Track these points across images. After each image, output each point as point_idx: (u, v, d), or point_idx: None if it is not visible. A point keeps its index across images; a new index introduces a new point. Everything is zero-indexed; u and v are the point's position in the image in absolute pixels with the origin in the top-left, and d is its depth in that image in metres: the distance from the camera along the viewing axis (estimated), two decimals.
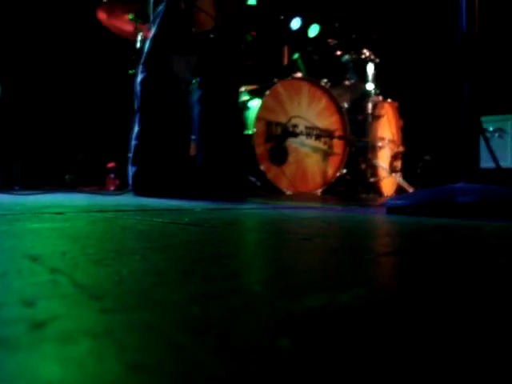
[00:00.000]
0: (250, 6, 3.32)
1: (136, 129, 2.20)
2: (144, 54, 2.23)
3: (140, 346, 0.23)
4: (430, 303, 0.33)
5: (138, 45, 3.50)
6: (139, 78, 2.23)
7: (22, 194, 2.04)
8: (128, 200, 1.80)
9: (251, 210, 1.39)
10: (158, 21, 2.20)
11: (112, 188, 3.54)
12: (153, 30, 2.22)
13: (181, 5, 2.18)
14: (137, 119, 2.20)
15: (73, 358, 0.21)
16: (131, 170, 2.20)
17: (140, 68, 2.24)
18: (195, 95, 2.42)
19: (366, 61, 3.54)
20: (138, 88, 2.22)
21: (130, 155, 2.23)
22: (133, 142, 2.20)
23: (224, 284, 0.37)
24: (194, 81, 2.45)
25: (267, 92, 2.94)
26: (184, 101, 2.30)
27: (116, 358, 0.21)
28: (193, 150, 2.53)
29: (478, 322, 0.29)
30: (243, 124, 2.85)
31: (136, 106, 2.23)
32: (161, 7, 2.20)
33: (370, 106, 3.46)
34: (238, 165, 2.49)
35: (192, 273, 0.42)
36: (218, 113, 2.39)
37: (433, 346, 0.24)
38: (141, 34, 3.50)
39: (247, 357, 0.22)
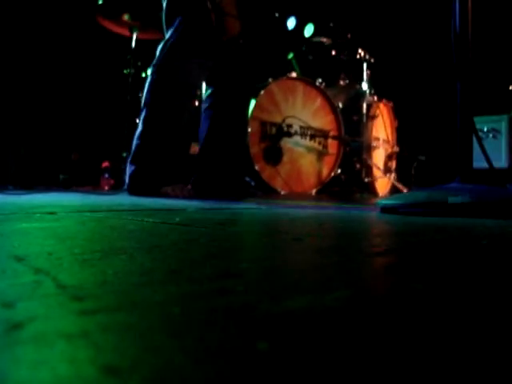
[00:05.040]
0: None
1: (139, 128, 2.19)
2: (158, 56, 2.22)
3: (116, 347, 0.23)
4: (417, 305, 0.33)
5: (133, 44, 3.50)
6: (149, 78, 2.22)
7: (15, 194, 2.03)
8: (122, 200, 1.80)
9: (244, 210, 1.39)
10: (179, 29, 2.19)
11: (106, 188, 3.53)
12: (172, 37, 2.20)
13: (211, 15, 2.18)
14: (141, 118, 2.20)
15: (45, 360, 0.21)
16: (129, 168, 2.19)
17: (152, 69, 2.24)
18: (207, 100, 2.42)
19: (360, 61, 3.54)
20: (147, 88, 2.22)
21: (131, 153, 2.22)
22: (134, 142, 2.20)
23: (208, 285, 0.37)
24: (205, 86, 2.47)
25: (262, 92, 2.94)
26: (192, 105, 2.30)
27: (90, 360, 0.21)
28: (193, 150, 2.54)
29: (465, 323, 0.28)
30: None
31: (142, 105, 2.23)
32: (183, 13, 2.20)
33: (364, 106, 3.46)
34: (237, 166, 2.50)
35: (177, 273, 0.42)
36: (230, 120, 2.39)
37: (416, 348, 0.24)
38: (136, 34, 3.50)
39: (224, 359, 0.22)
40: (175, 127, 2.18)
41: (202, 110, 2.44)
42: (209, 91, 2.43)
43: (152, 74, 2.22)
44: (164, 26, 2.29)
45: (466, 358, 0.23)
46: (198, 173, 2.39)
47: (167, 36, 2.23)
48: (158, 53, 2.24)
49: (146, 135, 2.17)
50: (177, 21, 2.21)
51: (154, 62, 2.23)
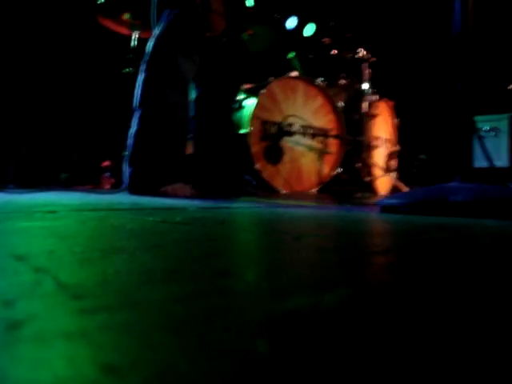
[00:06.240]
0: (247, 7, 3.35)
1: (134, 128, 2.19)
2: (147, 53, 2.22)
3: (115, 346, 0.23)
4: (417, 304, 0.33)
5: (133, 44, 3.50)
6: (141, 76, 2.21)
7: (16, 193, 2.03)
8: (122, 199, 1.80)
9: (244, 209, 1.38)
10: (167, 21, 2.19)
11: (107, 187, 3.53)
12: (159, 30, 2.20)
13: (198, 8, 2.18)
14: (136, 118, 2.19)
15: (45, 359, 0.21)
16: (127, 169, 2.19)
17: (143, 67, 2.23)
18: (192, 95, 2.42)
19: (361, 60, 3.54)
20: (139, 87, 2.21)
21: (127, 154, 2.21)
22: (129, 141, 2.19)
23: (208, 284, 0.37)
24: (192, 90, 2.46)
25: (262, 91, 2.94)
26: (185, 101, 2.29)
27: (89, 359, 0.21)
28: (189, 149, 2.54)
29: (464, 323, 0.28)
30: (237, 124, 2.85)
31: (135, 105, 2.22)
32: (171, 6, 2.20)
33: (365, 105, 3.46)
34: (233, 164, 2.50)
35: (178, 272, 0.42)
36: (216, 114, 2.39)
37: (416, 347, 0.24)
38: (136, 33, 3.49)
39: (224, 359, 0.22)
40: (171, 125, 2.17)
41: (190, 117, 2.43)
42: (193, 95, 2.42)
43: (143, 71, 2.21)
44: (154, 23, 2.29)
45: (466, 358, 0.23)
46: (196, 174, 2.39)
47: (156, 32, 2.23)
48: (148, 50, 2.23)
49: (143, 134, 2.16)
50: (164, 15, 2.21)
51: (145, 58, 2.22)
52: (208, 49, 2.32)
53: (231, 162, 2.46)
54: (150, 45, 2.23)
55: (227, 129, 2.52)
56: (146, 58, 2.22)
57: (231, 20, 2.35)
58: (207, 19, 2.22)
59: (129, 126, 2.25)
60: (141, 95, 2.19)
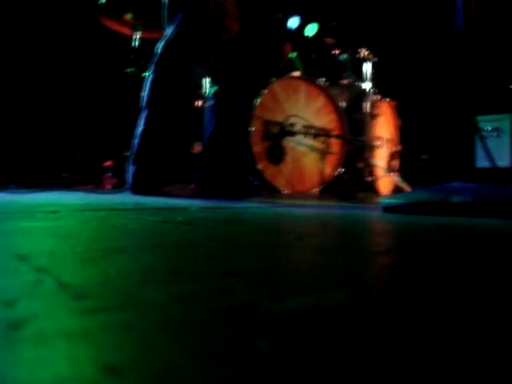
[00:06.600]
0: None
1: (140, 127, 2.19)
2: (157, 54, 2.22)
3: (116, 347, 0.23)
4: (418, 305, 0.32)
5: (135, 44, 3.50)
6: (150, 77, 2.22)
7: (18, 193, 2.04)
8: (124, 199, 1.80)
9: (246, 209, 1.38)
10: (179, 25, 2.19)
11: (109, 187, 3.53)
12: (171, 32, 2.20)
13: (212, 13, 2.19)
14: (142, 117, 2.20)
15: (46, 359, 0.21)
16: (132, 168, 2.19)
17: (151, 67, 2.23)
18: (213, 97, 2.44)
19: (363, 60, 3.53)
20: (148, 87, 2.22)
21: (133, 153, 2.22)
22: (136, 140, 2.19)
23: (209, 284, 0.37)
24: (209, 85, 2.48)
25: (264, 91, 2.93)
26: (193, 104, 2.30)
27: (90, 359, 0.21)
28: (196, 149, 2.55)
29: (465, 323, 0.28)
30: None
31: (143, 105, 2.23)
32: (184, 10, 2.20)
33: (367, 105, 3.45)
34: (241, 165, 2.51)
35: (179, 273, 0.42)
36: (236, 118, 2.42)
37: (417, 348, 0.24)
38: (138, 33, 3.50)
39: (225, 359, 0.22)
40: (177, 126, 2.17)
41: (208, 107, 2.45)
42: (214, 89, 2.44)
43: (153, 72, 2.22)
44: (165, 24, 2.29)
45: (466, 358, 0.22)
46: (203, 170, 2.39)
47: (167, 33, 2.23)
48: (158, 50, 2.23)
49: (149, 134, 2.16)
50: (177, 18, 2.21)
51: (155, 59, 2.23)
52: (225, 51, 2.33)
53: (238, 162, 2.47)
54: (159, 46, 2.23)
55: (246, 130, 2.57)
56: (156, 58, 2.22)
57: (245, 23, 2.36)
58: (222, 23, 2.23)
59: (131, 126, 2.25)
60: (148, 95, 2.20)
